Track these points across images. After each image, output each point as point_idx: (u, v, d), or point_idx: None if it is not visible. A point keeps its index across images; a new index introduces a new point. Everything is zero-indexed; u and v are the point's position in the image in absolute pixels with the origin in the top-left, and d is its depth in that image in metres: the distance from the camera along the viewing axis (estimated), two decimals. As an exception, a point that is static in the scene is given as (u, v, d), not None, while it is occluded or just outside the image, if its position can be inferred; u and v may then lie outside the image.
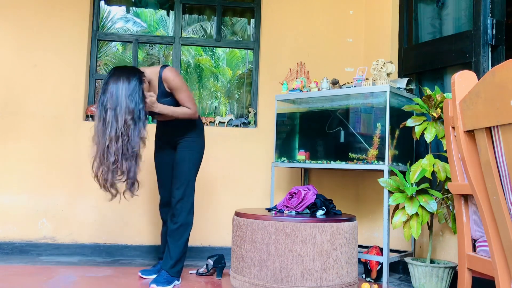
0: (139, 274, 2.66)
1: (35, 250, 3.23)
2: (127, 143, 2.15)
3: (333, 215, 2.45)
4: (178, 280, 2.52)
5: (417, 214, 2.38)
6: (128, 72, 2.21)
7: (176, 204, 2.50)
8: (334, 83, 2.92)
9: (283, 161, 3.11)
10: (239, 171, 3.44)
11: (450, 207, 2.49)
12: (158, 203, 2.77)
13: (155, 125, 2.72)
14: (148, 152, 3.31)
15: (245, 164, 3.45)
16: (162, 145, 2.68)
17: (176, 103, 2.45)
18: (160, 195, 2.74)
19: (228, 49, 13.82)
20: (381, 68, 2.68)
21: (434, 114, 2.50)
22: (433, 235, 2.65)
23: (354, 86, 2.80)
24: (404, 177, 2.49)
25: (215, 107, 14.75)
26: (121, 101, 2.13)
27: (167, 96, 2.42)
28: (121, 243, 3.31)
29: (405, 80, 2.79)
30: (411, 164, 2.83)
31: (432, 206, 2.35)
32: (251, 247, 2.30)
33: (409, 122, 2.55)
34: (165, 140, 2.66)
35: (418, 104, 2.56)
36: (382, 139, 2.64)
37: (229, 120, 3.54)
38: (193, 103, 2.45)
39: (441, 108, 2.49)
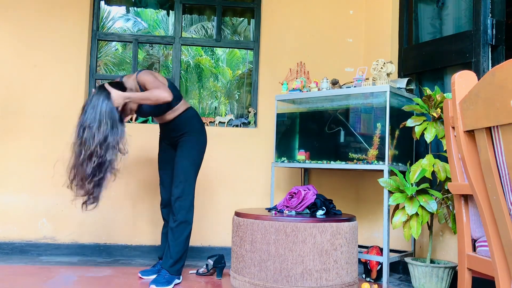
0: (139, 275, 2.66)
1: (35, 250, 3.23)
2: (103, 160, 2.21)
3: (333, 215, 2.45)
4: (179, 278, 2.52)
5: (417, 214, 2.38)
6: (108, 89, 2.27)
7: (175, 202, 2.50)
8: (334, 83, 2.92)
9: (283, 161, 3.11)
10: (239, 171, 3.44)
11: (450, 207, 2.49)
12: (159, 203, 2.78)
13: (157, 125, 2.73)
14: (149, 152, 3.32)
15: (245, 164, 3.45)
16: (165, 145, 2.71)
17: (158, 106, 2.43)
18: (161, 195, 2.74)
19: (228, 49, 13.82)
20: (381, 68, 2.68)
21: (434, 114, 2.50)
22: (433, 235, 2.65)
23: (354, 86, 2.80)
24: (404, 177, 2.49)
25: (215, 107, 14.75)
26: (101, 118, 2.18)
27: None
28: (121, 243, 3.31)
29: (405, 80, 2.79)
30: (411, 164, 2.83)
31: (432, 206, 2.35)
32: (251, 247, 2.30)
33: (409, 122, 2.55)
34: (166, 140, 2.68)
35: (418, 104, 2.56)
36: (382, 139, 2.64)
37: (229, 120, 3.53)
38: (162, 87, 2.29)
39: (441, 108, 2.49)
